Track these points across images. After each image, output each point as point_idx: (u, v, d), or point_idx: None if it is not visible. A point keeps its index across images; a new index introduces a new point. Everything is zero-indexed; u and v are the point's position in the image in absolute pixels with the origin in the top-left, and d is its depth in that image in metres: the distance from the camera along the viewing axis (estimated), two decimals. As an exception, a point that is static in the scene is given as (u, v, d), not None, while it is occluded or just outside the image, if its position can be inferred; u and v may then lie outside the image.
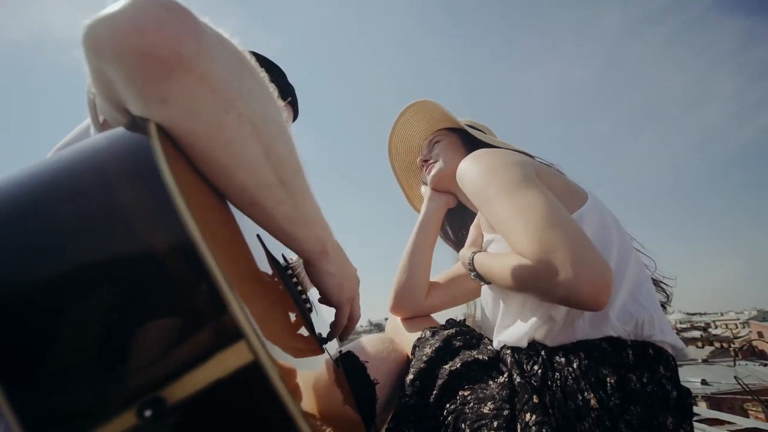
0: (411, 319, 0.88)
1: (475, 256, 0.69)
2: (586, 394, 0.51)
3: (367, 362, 0.68)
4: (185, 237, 0.24)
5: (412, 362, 0.73)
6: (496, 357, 0.66)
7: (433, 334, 0.77)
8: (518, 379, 0.57)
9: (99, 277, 0.24)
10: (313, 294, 0.72)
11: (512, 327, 0.64)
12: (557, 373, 0.55)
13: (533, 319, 0.59)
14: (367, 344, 0.73)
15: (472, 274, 0.70)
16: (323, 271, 0.51)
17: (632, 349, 0.54)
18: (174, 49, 0.29)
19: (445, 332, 0.75)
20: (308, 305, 0.51)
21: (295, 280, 0.51)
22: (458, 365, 0.65)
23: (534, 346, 0.60)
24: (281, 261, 0.57)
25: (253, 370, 0.24)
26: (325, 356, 0.49)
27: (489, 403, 0.57)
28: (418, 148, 1.08)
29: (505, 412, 0.55)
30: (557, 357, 0.56)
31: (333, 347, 0.65)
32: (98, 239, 0.25)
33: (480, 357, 0.67)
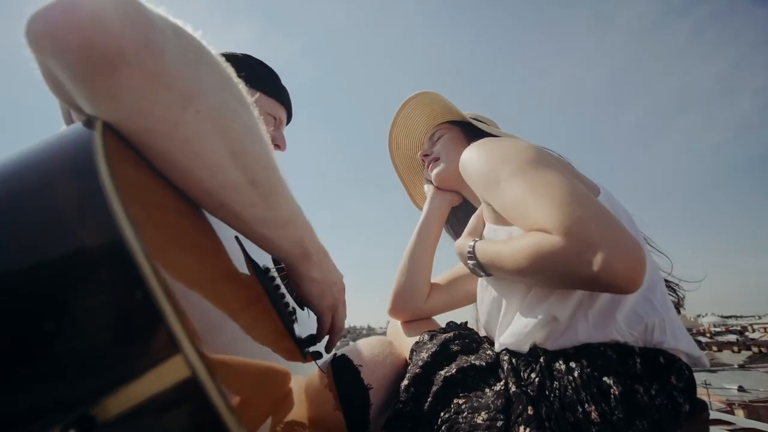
0: (411, 322, 0.85)
1: (476, 244, 0.65)
2: (586, 406, 0.47)
3: (361, 366, 0.65)
4: (117, 240, 0.23)
5: (409, 367, 0.70)
6: (495, 362, 0.63)
7: (431, 338, 0.73)
8: (513, 388, 0.53)
9: (19, 282, 0.23)
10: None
11: (512, 326, 0.60)
12: (556, 382, 0.51)
13: (535, 318, 0.55)
14: (363, 347, 0.71)
15: (471, 263, 0.65)
16: (305, 276, 0.49)
17: (640, 357, 0.49)
18: (115, 43, 0.27)
19: (443, 336, 0.72)
20: (290, 309, 0.49)
21: (276, 284, 0.49)
22: (453, 371, 0.62)
23: (534, 351, 0.56)
24: (269, 265, 0.55)
25: (189, 387, 0.22)
26: (307, 362, 0.47)
27: (483, 412, 0.54)
28: (420, 143, 1.04)
29: (499, 423, 0.51)
30: (557, 364, 0.52)
31: (319, 348, 0.62)
32: (23, 242, 0.23)
33: (477, 363, 0.63)
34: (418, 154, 0.96)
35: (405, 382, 0.66)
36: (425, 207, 0.92)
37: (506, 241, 0.58)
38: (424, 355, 0.69)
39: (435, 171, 0.89)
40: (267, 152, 0.39)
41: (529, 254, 0.50)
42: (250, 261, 0.45)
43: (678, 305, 0.65)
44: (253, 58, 0.90)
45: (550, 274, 0.51)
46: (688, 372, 0.51)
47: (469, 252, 0.64)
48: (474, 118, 0.90)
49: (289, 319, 0.46)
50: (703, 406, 0.50)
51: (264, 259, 0.57)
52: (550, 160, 0.56)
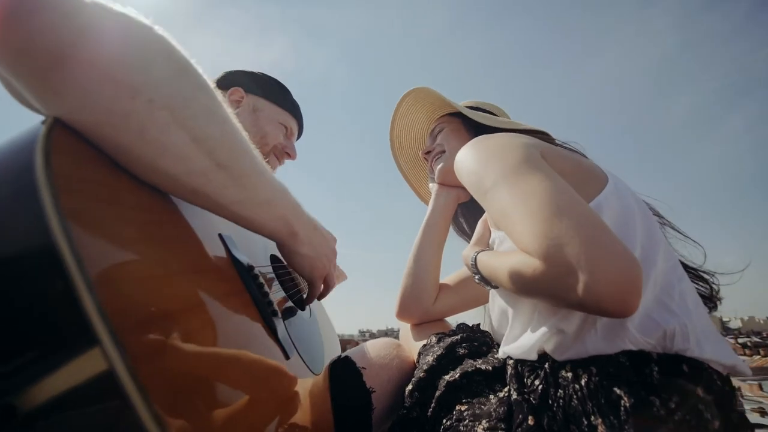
0: (420, 325, 0.82)
1: (478, 256, 0.61)
2: (593, 418, 0.42)
3: (365, 368, 0.64)
4: (42, 232, 0.23)
5: (415, 371, 0.67)
6: (503, 367, 0.59)
7: (439, 341, 0.70)
8: (515, 396, 0.49)
9: None
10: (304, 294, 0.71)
11: (520, 339, 0.56)
12: (561, 390, 0.46)
13: (542, 330, 0.51)
14: (370, 349, 0.69)
15: (476, 277, 0.62)
16: (295, 252, 0.52)
17: (658, 365, 0.43)
18: (51, 37, 0.27)
19: (450, 339, 0.68)
20: (274, 310, 0.49)
21: (260, 282, 0.49)
22: (457, 376, 0.59)
23: (542, 358, 0.52)
24: (257, 263, 0.56)
25: (106, 381, 0.22)
26: (288, 361, 0.46)
27: (484, 420, 0.50)
28: (424, 139, 1.01)
29: (499, 433, 0.47)
30: (563, 371, 0.47)
31: (318, 351, 0.62)
32: None
33: (483, 367, 0.60)
34: (420, 153, 0.93)
35: (409, 386, 0.63)
36: (429, 205, 0.88)
37: (504, 255, 0.53)
38: (430, 358, 0.66)
39: (437, 168, 0.86)
40: (233, 135, 0.39)
41: (515, 278, 0.46)
42: (232, 259, 0.46)
43: (712, 298, 0.57)
44: (268, 75, 0.97)
45: (541, 298, 0.47)
46: (721, 382, 0.44)
47: (472, 264, 0.61)
48: (475, 107, 0.86)
49: (270, 317, 0.46)
50: (742, 423, 0.43)
51: (256, 258, 0.58)
52: (536, 161, 0.51)
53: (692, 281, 0.60)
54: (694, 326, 0.45)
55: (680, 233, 0.61)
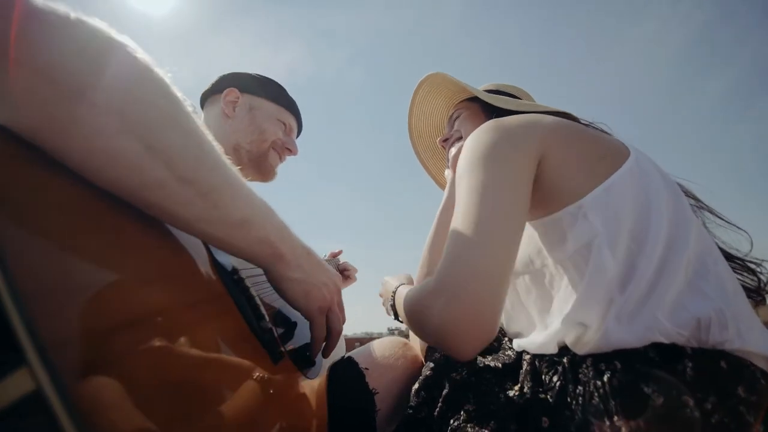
0: None
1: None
2: (616, 418, 0.37)
3: (367, 369, 0.60)
4: None
5: (423, 369, 0.63)
6: (515, 364, 0.54)
7: (448, 337, 0.66)
8: (528, 394, 0.45)
9: None
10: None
11: (536, 332, 0.52)
12: (580, 387, 0.41)
13: (559, 322, 0.46)
14: (375, 349, 0.66)
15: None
16: (282, 278, 0.46)
17: (693, 361, 0.38)
18: None
19: (459, 334, 0.64)
20: (260, 315, 0.46)
21: (245, 285, 0.46)
22: (464, 374, 0.55)
23: (563, 351, 0.47)
24: (242, 266, 0.52)
25: (33, 402, 0.20)
26: (276, 365, 0.43)
27: (492, 422, 0.46)
28: (443, 127, 0.98)
29: (510, 435, 0.43)
30: (584, 367, 0.43)
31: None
32: None
33: (493, 364, 0.55)
34: (438, 140, 0.89)
35: (416, 385, 0.60)
36: (445, 193, 0.84)
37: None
38: (438, 355, 0.62)
39: (451, 154, 0.82)
40: (199, 147, 0.36)
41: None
42: (215, 263, 0.43)
43: (759, 290, 0.52)
44: (263, 75, 0.96)
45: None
46: (766, 381, 0.39)
47: (390, 306, 0.65)
48: (496, 91, 0.82)
49: (256, 322, 0.43)
50: (791, 430, 0.38)
51: (242, 261, 0.55)
52: (491, 164, 0.49)
53: (737, 272, 0.54)
54: (733, 313, 0.40)
55: (720, 218, 0.56)
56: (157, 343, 0.28)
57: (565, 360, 0.45)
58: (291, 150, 0.96)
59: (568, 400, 0.41)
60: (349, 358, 0.62)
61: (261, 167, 0.92)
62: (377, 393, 0.58)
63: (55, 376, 0.20)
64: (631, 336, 0.41)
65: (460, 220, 0.46)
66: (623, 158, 0.50)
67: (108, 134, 0.30)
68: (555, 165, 0.51)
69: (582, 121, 0.67)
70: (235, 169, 0.40)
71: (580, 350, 0.44)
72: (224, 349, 0.36)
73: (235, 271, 0.46)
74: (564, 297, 0.46)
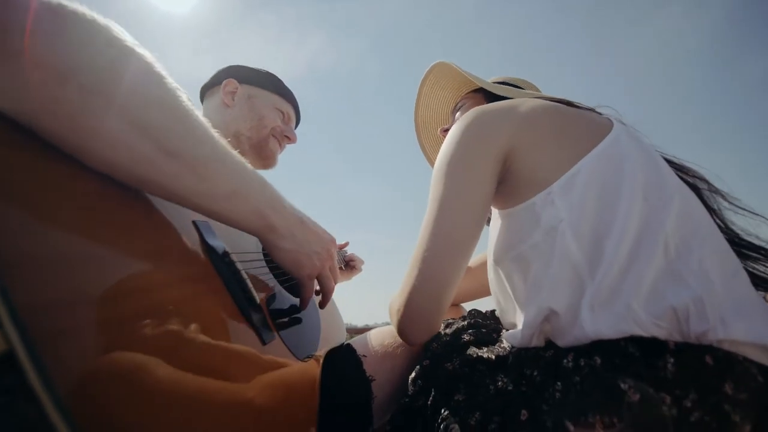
0: None
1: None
2: (590, 416, 0.37)
3: (365, 356, 0.62)
4: None
5: (421, 358, 0.65)
6: (508, 356, 0.54)
7: (447, 326, 0.67)
8: (510, 387, 0.44)
9: None
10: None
11: (518, 324, 0.52)
12: (560, 383, 0.41)
13: (533, 313, 0.46)
14: (373, 337, 0.68)
15: None
16: (276, 247, 0.50)
17: (674, 356, 0.37)
18: None
19: (457, 325, 0.64)
20: (250, 296, 0.48)
21: (236, 268, 0.49)
22: (457, 365, 0.55)
23: (549, 344, 0.47)
24: (234, 249, 0.55)
25: (6, 361, 0.22)
26: (264, 346, 0.45)
27: (477, 413, 0.47)
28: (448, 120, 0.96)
29: (491, 427, 0.44)
30: (565, 360, 0.42)
31: (311, 338, 0.61)
32: None
33: (486, 356, 0.55)
34: (438, 130, 0.88)
35: (413, 374, 0.61)
36: None
37: None
38: (435, 345, 0.63)
39: None
40: (185, 122, 0.38)
41: None
42: (205, 245, 0.45)
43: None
44: (260, 68, 0.99)
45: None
46: (763, 378, 0.36)
47: None
48: (502, 82, 0.80)
49: (244, 302, 0.45)
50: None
51: (245, 247, 0.58)
52: (451, 175, 0.54)
53: (759, 263, 0.51)
54: (715, 301, 0.37)
55: (728, 200, 0.52)
56: (134, 318, 0.30)
57: (548, 354, 0.44)
58: (290, 138, 0.99)
59: (546, 395, 0.41)
60: (348, 345, 0.64)
61: (262, 153, 0.95)
62: (374, 380, 0.59)
63: (27, 338, 0.22)
64: (606, 326, 0.39)
65: (420, 232, 0.55)
66: (599, 139, 0.48)
67: (96, 114, 0.32)
68: (528, 153, 0.51)
69: (581, 106, 0.64)
70: (223, 143, 0.42)
71: (560, 341, 0.44)
72: (209, 329, 0.38)
73: (226, 254, 0.48)
74: (536, 284, 0.46)
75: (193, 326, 0.36)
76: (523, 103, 0.58)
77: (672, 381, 0.35)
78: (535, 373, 0.44)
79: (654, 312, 0.38)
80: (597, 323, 0.40)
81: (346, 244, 1.29)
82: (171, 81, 0.38)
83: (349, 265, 1.27)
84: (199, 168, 0.39)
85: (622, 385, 0.36)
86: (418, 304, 0.54)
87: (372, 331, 0.70)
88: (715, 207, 0.53)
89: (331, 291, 0.61)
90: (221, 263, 0.46)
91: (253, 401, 0.38)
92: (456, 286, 0.56)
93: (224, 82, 0.93)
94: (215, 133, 0.42)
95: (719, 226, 0.52)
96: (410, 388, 0.59)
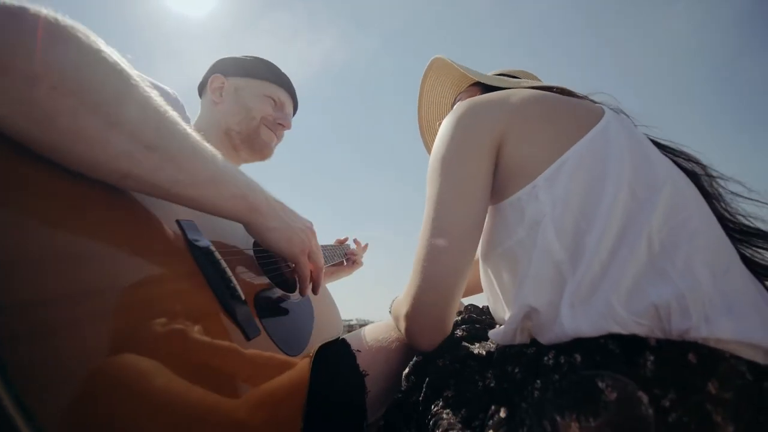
0: None
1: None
2: (567, 415, 0.36)
3: (359, 351, 0.63)
4: None
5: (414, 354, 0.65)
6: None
7: (441, 322, 0.67)
8: (492, 384, 0.44)
9: None
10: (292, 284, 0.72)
11: (505, 319, 0.51)
12: (539, 381, 0.40)
13: (514, 310, 0.45)
14: (369, 331, 0.69)
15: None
16: (263, 228, 0.52)
17: (655, 354, 0.35)
18: None
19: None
20: (234, 292, 0.48)
21: (222, 267, 0.49)
22: (448, 360, 0.55)
23: (533, 342, 0.46)
24: (218, 247, 0.54)
25: None
26: (249, 341, 0.46)
27: (463, 410, 0.47)
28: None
29: (475, 423, 0.44)
30: (546, 358, 0.41)
31: (301, 334, 0.62)
32: None
33: (477, 352, 0.55)
34: (437, 124, 0.87)
35: (406, 370, 0.62)
36: None
37: None
38: (428, 340, 0.63)
39: None
40: (158, 116, 0.39)
41: None
42: (188, 243, 0.46)
43: None
44: (251, 55, 0.98)
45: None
46: (753, 376, 0.34)
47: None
48: (500, 74, 0.79)
49: (228, 299, 0.46)
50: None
51: (234, 244, 0.59)
52: (445, 172, 0.53)
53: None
54: (700, 297, 0.35)
55: (726, 187, 0.49)
56: (111, 315, 0.31)
57: (530, 351, 0.43)
58: (284, 125, 0.97)
59: (526, 392, 0.40)
60: (342, 339, 0.65)
61: (254, 145, 0.95)
62: (367, 375, 0.60)
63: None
64: (585, 324, 0.38)
65: (421, 231, 0.53)
66: (587, 128, 0.46)
67: (69, 114, 0.32)
68: (517, 144, 0.49)
69: (577, 94, 0.62)
70: (195, 136, 0.44)
71: (542, 339, 0.43)
72: (188, 325, 0.38)
73: (209, 250, 0.49)
74: (519, 281, 0.45)
75: (170, 322, 0.36)
76: (515, 93, 0.56)
77: (651, 379, 0.34)
78: (516, 371, 0.43)
79: (634, 309, 0.37)
80: (576, 321, 0.39)
81: (346, 239, 1.30)
82: (139, 78, 0.39)
83: (350, 260, 1.28)
84: (177, 159, 0.40)
85: (600, 384, 0.35)
86: (426, 307, 0.52)
87: (367, 327, 0.71)
88: (715, 193, 0.50)
89: (321, 269, 0.62)
90: (204, 260, 0.47)
91: (232, 397, 0.39)
92: (464, 284, 0.54)
93: (210, 78, 0.93)
94: (186, 126, 0.43)
95: (721, 215, 0.49)
96: (403, 383, 0.60)
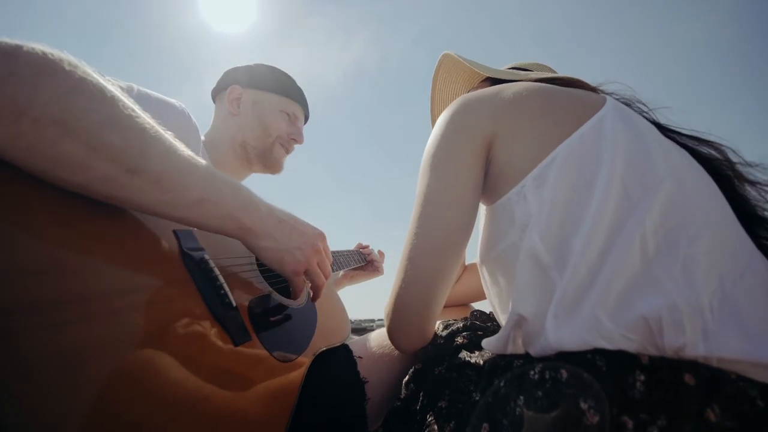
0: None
1: None
2: (546, 435, 0.33)
3: (361, 358, 0.63)
4: None
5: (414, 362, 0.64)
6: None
7: (444, 328, 0.65)
8: (477, 397, 0.42)
9: None
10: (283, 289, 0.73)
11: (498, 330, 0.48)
12: (522, 397, 0.37)
13: (506, 319, 0.43)
14: (373, 338, 0.68)
15: None
16: (256, 247, 0.53)
17: (646, 373, 0.31)
18: None
19: (453, 327, 0.62)
20: (225, 299, 0.50)
21: (214, 275, 0.50)
22: (444, 369, 0.53)
23: (525, 355, 0.43)
24: (212, 257, 0.55)
25: None
26: (236, 348, 0.47)
27: (453, 421, 0.45)
28: None
29: (460, 438, 0.42)
30: (532, 372, 0.39)
31: (299, 341, 0.62)
32: None
33: (474, 361, 0.52)
34: None
35: (406, 377, 0.61)
36: None
37: None
38: (429, 347, 0.61)
39: None
40: (141, 140, 0.40)
41: None
42: (182, 253, 0.48)
43: None
44: (265, 65, 0.99)
45: None
46: (766, 402, 0.30)
47: None
48: (513, 68, 0.76)
49: (218, 306, 0.47)
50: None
51: (227, 252, 0.60)
52: (434, 169, 0.51)
53: None
54: (696, 309, 0.31)
55: (738, 180, 0.43)
56: (98, 322, 0.33)
57: (518, 364, 0.41)
58: (296, 140, 1.00)
59: (509, 408, 0.38)
60: (345, 346, 0.65)
61: (267, 161, 0.98)
62: (367, 382, 0.60)
63: None
64: (569, 337, 0.35)
65: (408, 230, 0.52)
66: (582, 121, 0.42)
67: (51, 142, 0.35)
68: (508, 141, 0.47)
69: (583, 84, 0.57)
70: (188, 154, 0.45)
71: (531, 350, 0.40)
72: (173, 332, 0.40)
73: (203, 260, 0.50)
74: (508, 289, 0.42)
75: (156, 330, 0.38)
76: (509, 87, 0.53)
77: (639, 402, 0.31)
78: (502, 384, 0.41)
79: (623, 322, 0.33)
80: (560, 333, 0.36)
81: (367, 246, 1.31)
82: (126, 100, 0.41)
83: (373, 266, 1.28)
84: (162, 181, 0.41)
85: (582, 405, 0.32)
86: (405, 308, 0.52)
87: (374, 332, 0.71)
88: (741, 188, 0.44)
89: (319, 286, 0.62)
90: (196, 269, 0.48)
91: (211, 401, 0.40)
92: (448, 286, 0.53)
93: (228, 89, 0.96)
94: (180, 145, 0.45)
95: (747, 213, 0.43)
96: (403, 391, 0.59)
